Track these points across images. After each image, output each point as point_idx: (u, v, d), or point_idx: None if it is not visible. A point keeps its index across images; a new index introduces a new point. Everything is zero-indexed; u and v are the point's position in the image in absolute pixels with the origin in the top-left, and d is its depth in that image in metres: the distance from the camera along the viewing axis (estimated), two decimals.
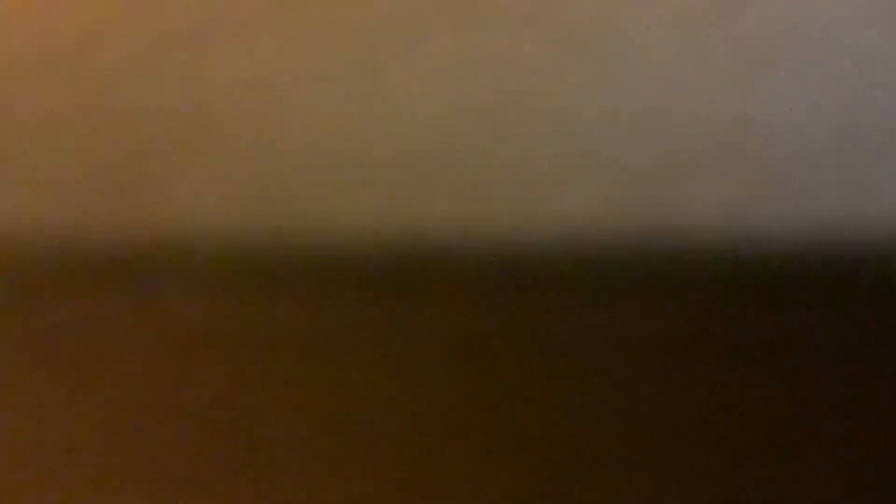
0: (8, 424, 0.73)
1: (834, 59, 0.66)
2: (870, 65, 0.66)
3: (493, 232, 0.63)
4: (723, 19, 0.68)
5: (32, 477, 0.76)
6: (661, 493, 0.67)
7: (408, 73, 0.72)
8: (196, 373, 0.69)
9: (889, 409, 0.62)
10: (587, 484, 0.69)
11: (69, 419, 0.74)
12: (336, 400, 0.70)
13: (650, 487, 0.67)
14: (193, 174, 0.69)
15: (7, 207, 0.70)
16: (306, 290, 0.65)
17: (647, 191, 0.64)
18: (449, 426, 0.68)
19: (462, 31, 0.71)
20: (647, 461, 0.66)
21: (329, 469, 0.73)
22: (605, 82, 0.68)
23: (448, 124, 0.72)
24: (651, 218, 0.62)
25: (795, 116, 0.66)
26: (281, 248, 0.65)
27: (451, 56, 0.71)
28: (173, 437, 0.73)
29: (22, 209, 0.70)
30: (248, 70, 0.73)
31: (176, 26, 0.75)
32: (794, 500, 0.65)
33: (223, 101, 0.75)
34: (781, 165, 0.64)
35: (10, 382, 0.73)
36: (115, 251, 0.67)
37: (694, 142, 0.66)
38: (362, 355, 0.68)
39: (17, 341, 0.71)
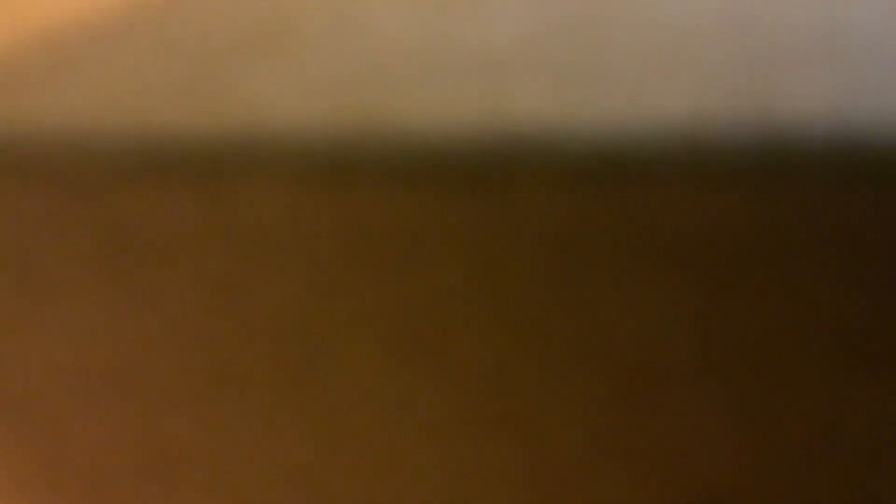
0: (80, 326, 0.71)
1: None
2: None
3: (585, 126, 0.61)
4: None
5: (107, 378, 0.74)
6: (766, 398, 0.66)
7: None
8: (273, 274, 0.68)
9: None
10: (686, 388, 0.68)
11: (142, 319, 0.72)
12: (421, 302, 0.68)
13: (756, 393, 0.66)
14: (275, 70, 0.68)
15: (84, 105, 0.68)
16: (390, 188, 0.63)
17: (743, 83, 0.63)
18: (539, 330, 0.67)
19: None
20: (755, 364, 0.65)
21: (407, 377, 0.71)
22: None
23: (538, 17, 0.72)
24: (746, 112, 0.61)
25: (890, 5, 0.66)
26: (365, 145, 0.63)
27: None
28: (247, 339, 0.71)
29: (100, 106, 0.68)
30: None
31: None
32: None
33: None
34: (877, 58, 0.64)
35: (85, 284, 0.71)
36: (194, 148, 0.66)
37: (792, 34, 0.66)
38: (449, 255, 0.66)
39: (91, 240, 0.69)
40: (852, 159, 0.60)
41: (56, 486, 0.77)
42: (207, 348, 0.72)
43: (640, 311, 0.65)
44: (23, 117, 0.70)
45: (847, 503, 0.69)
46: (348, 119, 0.64)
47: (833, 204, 0.60)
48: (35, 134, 0.69)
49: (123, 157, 0.68)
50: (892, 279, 0.61)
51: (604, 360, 0.68)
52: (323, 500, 0.76)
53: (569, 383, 0.71)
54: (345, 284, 0.68)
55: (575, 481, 0.74)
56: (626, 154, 0.61)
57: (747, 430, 0.69)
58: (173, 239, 0.69)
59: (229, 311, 0.71)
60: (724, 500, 0.73)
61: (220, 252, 0.68)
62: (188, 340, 0.72)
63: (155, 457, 0.75)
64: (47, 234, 0.71)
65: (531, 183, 0.62)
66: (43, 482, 0.77)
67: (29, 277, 0.73)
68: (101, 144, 0.68)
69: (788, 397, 0.66)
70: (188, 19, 0.76)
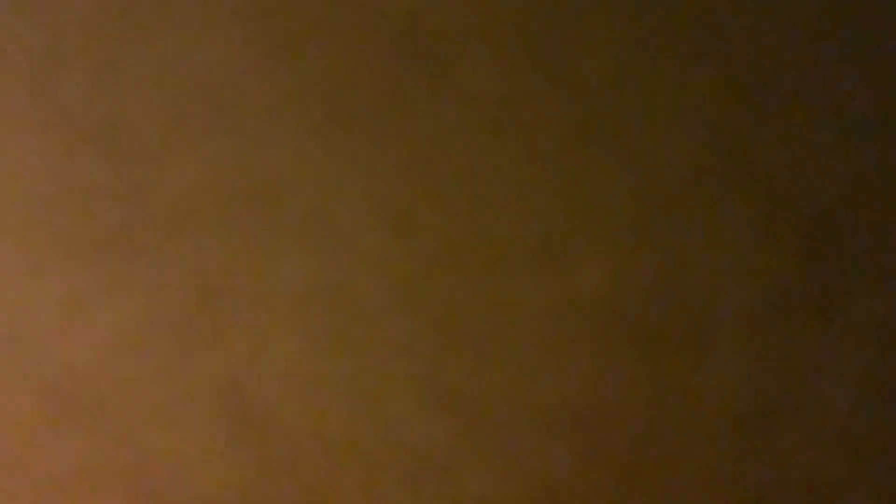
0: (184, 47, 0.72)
1: None
2: None
3: None
4: None
5: (208, 100, 0.76)
6: None
7: None
8: None
9: None
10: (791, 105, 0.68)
11: (249, 41, 0.73)
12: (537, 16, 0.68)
13: None
14: None
15: None
16: None
17: None
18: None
19: None
20: None
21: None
22: None
23: None
24: None
25: None
26: None
27: None
28: (352, 55, 0.72)
29: None
30: None
31: None
32: None
33: None
34: None
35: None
36: None
37: None
38: None
39: None
40: None
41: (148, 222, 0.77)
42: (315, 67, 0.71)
43: None
44: None
45: None
46: None
47: None
48: None
49: None
50: None
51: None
52: (415, 233, 0.76)
53: (691, 96, 0.71)
54: None
55: (684, 207, 0.74)
56: None
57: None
58: None
59: (342, 12, 0.70)
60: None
61: None
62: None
63: (254, 189, 0.75)
64: None
65: None
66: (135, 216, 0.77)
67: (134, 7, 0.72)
68: None
69: None
70: None
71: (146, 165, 0.77)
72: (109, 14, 0.76)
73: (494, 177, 0.77)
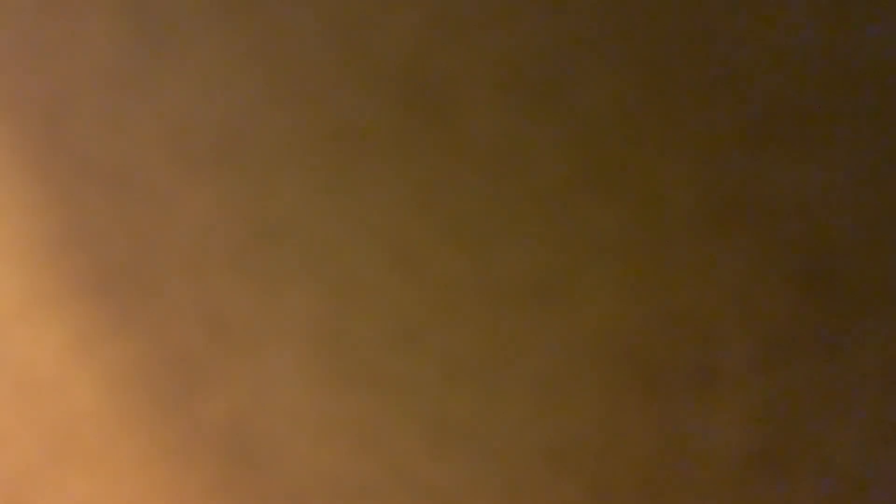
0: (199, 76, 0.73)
1: None
2: None
3: None
4: None
5: (223, 133, 0.76)
6: None
7: None
8: (395, 18, 0.69)
9: None
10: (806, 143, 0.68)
11: (261, 67, 0.73)
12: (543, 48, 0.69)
13: None
14: None
15: None
16: None
17: None
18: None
19: None
20: None
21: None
22: None
23: None
24: None
25: None
26: None
27: None
28: (366, 89, 0.72)
29: None
30: None
31: None
32: None
33: None
34: None
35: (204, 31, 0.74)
36: None
37: None
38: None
39: None
40: None
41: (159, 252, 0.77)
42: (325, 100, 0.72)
43: None
44: None
45: None
46: None
47: None
48: None
49: None
50: None
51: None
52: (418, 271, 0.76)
53: (690, 135, 0.71)
54: (462, 30, 0.68)
55: (685, 246, 0.74)
56: None
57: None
58: None
59: (348, 59, 0.71)
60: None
61: None
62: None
63: (261, 230, 0.75)
64: None
65: None
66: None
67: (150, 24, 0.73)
68: None
69: None
70: None
71: (153, 204, 0.78)
72: (120, 59, 0.76)
73: (497, 217, 0.77)
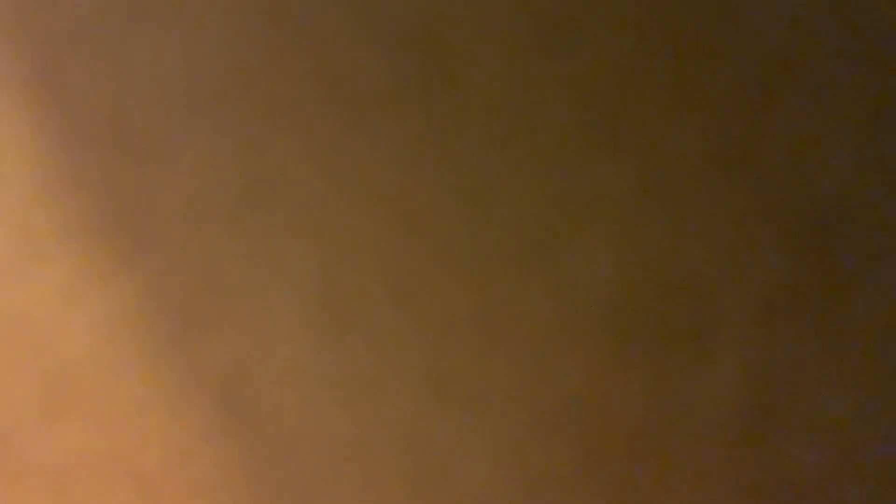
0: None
1: None
2: None
3: None
4: None
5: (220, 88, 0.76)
6: None
7: None
8: None
9: None
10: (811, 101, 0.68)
11: (262, 29, 0.73)
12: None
13: None
14: None
15: None
16: None
17: None
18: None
19: None
20: None
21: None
22: None
23: None
24: None
25: None
26: None
27: None
28: (366, 48, 0.72)
29: None
30: None
31: None
32: None
33: None
34: None
35: None
36: None
37: None
38: None
39: None
40: None
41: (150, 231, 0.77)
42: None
43: None
44: None
45: None
46: None
47: None
48: None
49: None
50: None
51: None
52: (417, 230, 0.76)
53: (691, 94, 0.71)
54: None
55: (682, 204, 0.74)
56: None
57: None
58: None
59: (346, 13, 0.71)
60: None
61: None
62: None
63: (256, 183, 0.75)
64: None
65: None
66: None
67: None
68: None
69: None
70: None
71: (147, 155, 0.77)
72: (121, 6, 0.76)
73: (495, 174, 0.77)
